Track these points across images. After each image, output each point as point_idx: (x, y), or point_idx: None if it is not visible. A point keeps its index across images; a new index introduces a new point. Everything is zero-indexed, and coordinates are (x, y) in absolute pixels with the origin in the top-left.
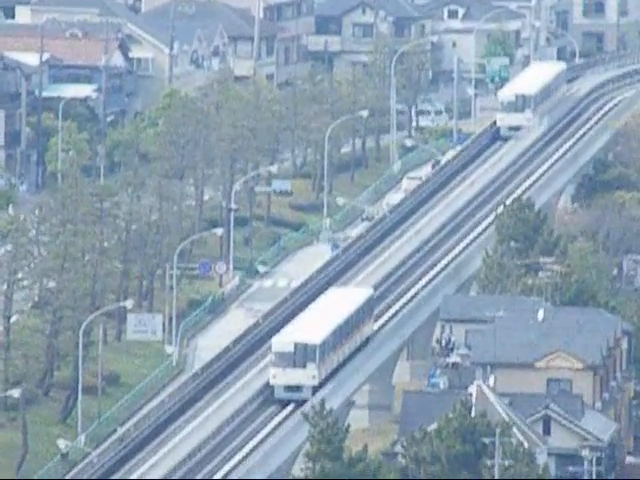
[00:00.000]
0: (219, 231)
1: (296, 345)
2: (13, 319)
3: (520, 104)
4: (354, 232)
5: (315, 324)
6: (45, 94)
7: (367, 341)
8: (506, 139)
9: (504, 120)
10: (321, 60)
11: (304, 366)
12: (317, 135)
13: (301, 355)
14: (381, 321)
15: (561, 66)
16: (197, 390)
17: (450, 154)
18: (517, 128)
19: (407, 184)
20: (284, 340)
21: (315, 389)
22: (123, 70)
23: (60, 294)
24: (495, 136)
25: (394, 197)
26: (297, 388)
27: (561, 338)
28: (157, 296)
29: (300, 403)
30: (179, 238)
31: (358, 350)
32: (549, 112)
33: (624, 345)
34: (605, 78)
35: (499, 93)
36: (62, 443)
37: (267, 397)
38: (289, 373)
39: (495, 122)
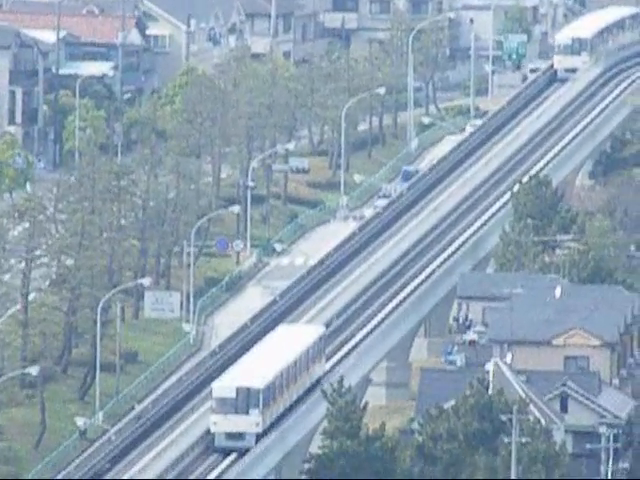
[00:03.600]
0: (236, 209)
1: (238, 390)
2: (31, 297)
3: (576, 47)
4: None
5: (259, 366)
6: (62, 71)
7: (317, 383)
8: (563, 81)
9: (561, 62)
10: (338, 37)
11: (247, 412)
12: (334, 113)
13: (243, 400)
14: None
15: (628, 10)
16: (214, 368)
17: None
18: (573, 70)
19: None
20: (225, 385)
21: (259, 437)
22: (140, 47)
23: (78, 272)
24: (552, 78)
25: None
26: (239, 436)
27: (578, 315)
28: (174, 274)
29: (243, 452)
30: (196, 216)
31: (308, 392)
32: (606, 55)
33: None
34: (623, 55)
35: (556, 36)
36: (80, 420)
37: None
38: (231, 420)
39: (552, 65)
